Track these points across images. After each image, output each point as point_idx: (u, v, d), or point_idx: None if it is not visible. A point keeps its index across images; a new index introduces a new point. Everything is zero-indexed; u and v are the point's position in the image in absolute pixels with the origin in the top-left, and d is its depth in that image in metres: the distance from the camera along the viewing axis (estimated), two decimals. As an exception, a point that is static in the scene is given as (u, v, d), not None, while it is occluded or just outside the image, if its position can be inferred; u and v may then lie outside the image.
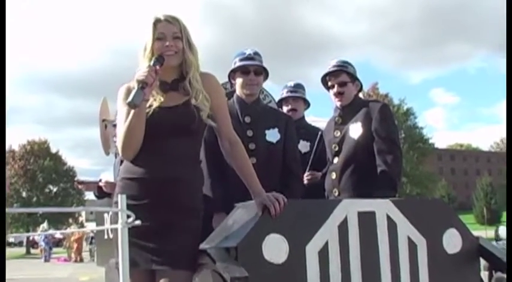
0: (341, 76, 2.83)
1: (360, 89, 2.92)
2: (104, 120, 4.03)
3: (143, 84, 1.82)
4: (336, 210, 1.93)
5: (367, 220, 1.96)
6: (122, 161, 2.06)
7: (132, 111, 1.84)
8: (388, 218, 2.01)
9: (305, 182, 3.05)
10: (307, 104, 3.50)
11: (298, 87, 3.48)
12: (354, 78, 2.86)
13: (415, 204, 2.14)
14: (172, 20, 1.96)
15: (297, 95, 3.44)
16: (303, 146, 3.29)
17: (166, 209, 1.86)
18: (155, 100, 1.93)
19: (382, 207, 2.01)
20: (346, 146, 2.78)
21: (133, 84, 1.86)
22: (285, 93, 3.46)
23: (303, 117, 3.49)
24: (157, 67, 1.87)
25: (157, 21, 1.96)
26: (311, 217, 1.89)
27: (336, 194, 2.77)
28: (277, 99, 3.80)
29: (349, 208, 1.95)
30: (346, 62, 2.89)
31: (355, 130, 2.75)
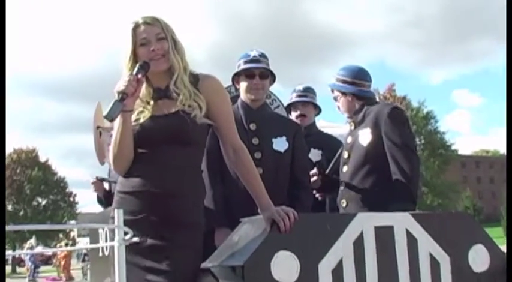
0: (334, 91, 2.90)
1: (370, 98, 2.88)
2: (98, 127, 4.06)
3: (123, 95, 1.83)
4: (351, 225, 1.93)
5: (384, 235, 1.96)
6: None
7: (118, 123, 1.87)
8: (408, 233, 2.00)
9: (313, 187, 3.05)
10: (317, 110, 3.52)
11: (307, 91, 3.49)
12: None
13: (437, 218, 2.13)
14: (152, 21, 1.97)
15: (307, 100, 3.45)
16: (314, 154, 3.30)
17: (163, 224, 1.86)
18: (147, 109, 1.95)
19: (401, 222, 2.01)
20: (355, 153, 2.79)
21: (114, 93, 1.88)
22: (293, 98, 3.48)
23: (314, 123, 3.50)
24: (140, 76, 1.88)
25: (136, 26, 1.97)
26: (324, 232, 1.89)
27: (344, 205, 2.78)
28: (286, 103, 3.82)
29: (365, 222, 1.95)
30: (346, 74, 2.87)
31: (364, 137, 2.75)
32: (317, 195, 3.05)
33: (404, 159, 2.63)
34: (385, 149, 2.67)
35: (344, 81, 2.86)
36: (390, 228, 1.98)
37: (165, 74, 1.99)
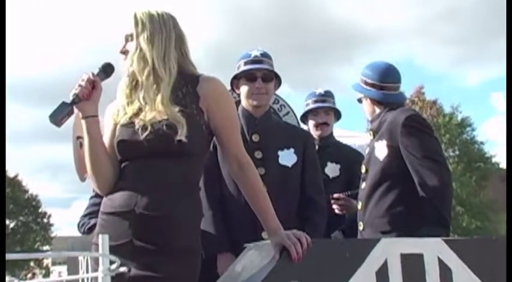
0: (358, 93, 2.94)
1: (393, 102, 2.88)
2: (78, 138, 4.07)
3: (74, 98, 1.86)
4: (374, 252, 1.94)
5: (412, 265, 1.96)
6: None
7: (84, 135, 1.90)
8: (440, 262, 2.00)
9: (335, 209, 3.04)
10: (337, 116, 3.51)
11: (328, 95, 3.47)
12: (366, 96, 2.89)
13: (475, 245, 2.14)
14: (129, 19, 2.01)
15: (329, 106, 3.44)
16: (331, 169, 3.30)
17: (152, 250, 1.86)
18: (133, 113, 1.95)
19: (432, 249, 2.01)
20: (372, 168, 2.79)
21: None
22: (311, 104, 3.45)
23: (331, 132, 3.49)
24: (94, 77, 1.90)
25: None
26: (342, 261, 1.90)
27: (361, 227, 2.79)
28: (295, 108, 3.83)
29: (390, 249, 1.96)
30: (370, 74, 2.89)
31: (380, 149, 2.76)
32: (336, 209, 3.04)
33: (428, 173, 2.59)
34: (405, 162, 2.66)
35: (367, 83, 2.87)
36: (419, 256, 1.98)
37: None
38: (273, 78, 2.78)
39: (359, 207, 2.82)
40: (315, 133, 3.39)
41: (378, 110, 2.86)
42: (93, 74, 1.91)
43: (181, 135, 1.87)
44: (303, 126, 3.63)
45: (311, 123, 3.44)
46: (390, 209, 2.69)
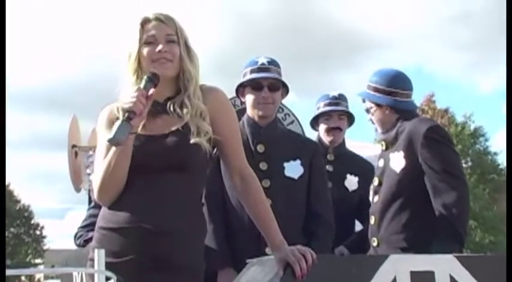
0: (366, 101, 2.91)
1: (408, 110, 2.89)
2: (74, 147, 4.11)
3: (130, 115, 1.83)
4: (382, 269, 1.93)
5: (423, 283, 1.96)
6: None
7: (121, 151, 1.86)
8: (452, 280, 1.99)
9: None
10: (350, 122, 3.43)
11: (342, 99, 3.38)
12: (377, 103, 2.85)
13: (488, 262, 2.13)
14: (165, 20, 2.00)
15: (343, 109, 3.34)
16: (350, 182, 3.25)
17: (156, 268, 1.87)
18: (142, 126, 1.94)
19: (444, 266, 2.00)
20: (386, 180, 2.78)
21: (119, 110, 1.89)
22: (322, 107, 3.35)
23: (344, 141, 3.41)
24: (150, 91, 1.89)
25: (145, 22, 2.00)
26: (348, 278, 1.90)
27: (375, 244, 2.78)
28: (300, 117, 3.82)
29: (399, 266, 1.95)
30: (381, 81, 2.86)
31: (397, 161, 2.74)
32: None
33: (447, 189, 2.60)
34: (423, 176, 2.66)
35: (377, 90, 2.85)
36: (430, 274, 1.98)
37: (168, 83, 2.00)
38: (279, 87, 2.78)
39: (371, 221, 2.82)
40: (326, 139, 3.31)
41: (391, 119, 2.83)
42: (145, 87, 1.89)
43: (198, 139, 1.92)
44: (312, 132, 3.56)
45: (322, 127, 3.34)
46: (408, 225, 2.69)
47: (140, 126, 1.94)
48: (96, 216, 4.35)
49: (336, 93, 3.39)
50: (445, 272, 2.00)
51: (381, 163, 2.86)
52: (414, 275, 1.95)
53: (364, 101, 2.94)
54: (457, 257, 2.05)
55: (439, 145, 2.68)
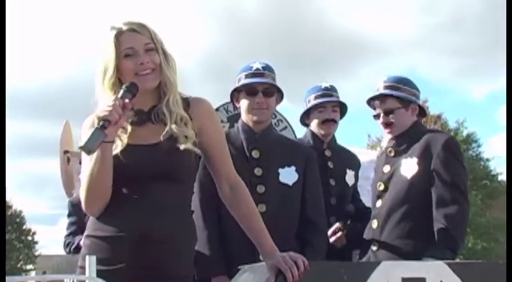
0: (387, 102, 2.86)
1: (422, 113, 2.93)
2: (66, 152, 4.10)
3: (104, 123, 1.81)
4: (373, 276, 1.93)
5: (415, 289, 1.96)
6: None
7: (94, 155, 1.85)
8: (444, 286, 2.01)
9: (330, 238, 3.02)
10: (342, 114, 3.28)
11: (334, 90, 3.23)
12: (407, 101, 2.86)
13: (479, 269, 2.14)
14: (139, 29, 1.97)
15: (337, 100, 3.20)
16: (350, 177, 3.24)
17: (146, 277, 1.87)
18: (128, 135, 1.94)
19: (435, 272, 2.01)
20: (394, 186, 2.80)
21: (95, 119, 1.86)
22: (314, 99, 3.17)
23: (334, 135, 3.29)
24: (127, 100, 1.87)
25: (119, 34, 1.96)
26: (340, 285, 1.90)
27: (375, 248, 2.79)
28: (293, 123, 3.82)
29: (391, 273, 1.96)
30: (400, 80, 2.88)
31: (409, 167, 2.76)
32: (332, 240, 3.00)
33: (451, 200, 2.65)
34: (431, 184, 2.69)
35: (404, 90, 2.85)
36: (422, 280, 1.98)
37: (150, 93, 2.00)
38: (274, 92, 2.79)
39: (374, 225, 2.83)
40: (320, 131, 3.18)
41: (410, 122, 2.86)
42: (122, 97, 1.86)
43: (186, 148, 1.90)
44: (302, 129, 3.43)
45: (315, 121, 3.18)
46: (414, 230, 2.71)
47: (123, 134, 1.93)
48: (75, 223, 4.39)
49: (327, 84, 3.23)
50: (436, 278, 2.00)
51: (387, 168, 2.87)
52: (406, 281, 1.96)
53: (371, 104, 2.93)
54: (448, 264, 2.06)
55: (453, 158, 2.75)
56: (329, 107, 3.18)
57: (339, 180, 3.17)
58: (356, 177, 3.27)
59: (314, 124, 3.21)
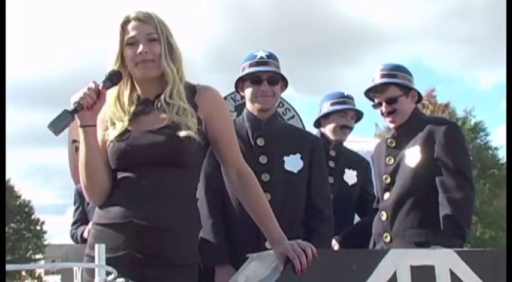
0: (388, 90, 2.85)
1: (419, 99, 2.94)
2: (74, 142, 4.11)
3: (77, 107, 1.82)
4: (382, 264, 1.94)
5: (423, 277, 1.96)
6: None
7: (81, 143, 1.88)
8: (452, 274, 2.00)
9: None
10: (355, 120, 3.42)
11: (352, 98, 3.39)
12: (407, 88, 2.86)
13: (488, 256, 2.13)
14: (144, 18, 1.99)
15: (358, 109, 3.35)
16: (349, 176, 3.29)
17: (150, 263, 1.87)
18: (130, 122, 1.96)
19: (444, 260, 2.01)
20: (400, 177, 2.79)
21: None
22: (336, 105, 3.30)
23: None
24: (102, 87, 1.88)
25: (125, 22, 2.00)
26: (348, 273, 1.90)
27: (388, 240, 2.78)
28: (300, 112, 3.81)
29: (399, 261, 1.96)
30: (396, 68, 2.89)
31: (413, 156, 2.76)
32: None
33: (456, 187, 2.65)
34: (436, 171, 2.69)
35: (404, 78, 2.85)
36: (430, 268, 1.98)
37: (155, 82, 2.01)
38: (279, 80, 2.79)
39: (383, 217, 2.82)
40: (334, 136, 3.29)
41: (410, 109, 2.85)
42: (99, 84, 1.89)
43: (188, 134, 1.91)
44: (309, 117, 3.59)
45: (332, 125, 3.29)
46: (424, 219, 2.71)
47: (127, 121, 1.96)
48: (77, 210, 4.43)
49: (347, 93, 3.39)
50: (445, 266, 2.00)
51: (390, 160, 2.86)
52: (414, 269, 1.96)
53: (369, 97, 2.93)
54: (457, 252, 2.06)
55: (457, 145, 2.74)
56: (350, 114, 3.33)
57: (338, 179, 3.26)
58: (359, 177, 3.31)
59: (330, 127, 3.32)
